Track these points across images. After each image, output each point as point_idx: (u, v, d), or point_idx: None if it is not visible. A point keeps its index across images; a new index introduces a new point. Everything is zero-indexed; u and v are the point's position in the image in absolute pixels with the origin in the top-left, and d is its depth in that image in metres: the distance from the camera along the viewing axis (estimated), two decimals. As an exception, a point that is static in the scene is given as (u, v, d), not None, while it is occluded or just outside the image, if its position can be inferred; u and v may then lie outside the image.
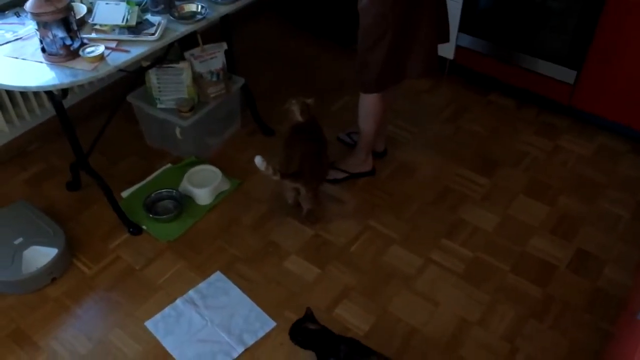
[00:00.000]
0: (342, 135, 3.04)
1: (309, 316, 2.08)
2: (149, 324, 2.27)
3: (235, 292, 2.37)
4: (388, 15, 2.26)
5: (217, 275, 2.43)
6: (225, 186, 2.79)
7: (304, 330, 2.05)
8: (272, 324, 2.26)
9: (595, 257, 2.50)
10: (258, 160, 2.38)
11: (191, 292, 2.37)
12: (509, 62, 3.16)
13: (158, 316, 2.29)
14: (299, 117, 2.53)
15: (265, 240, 2.58)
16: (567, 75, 2.98)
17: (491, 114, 3.24)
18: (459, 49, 3.28)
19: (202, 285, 2.39)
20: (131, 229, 2.59)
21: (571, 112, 3.15)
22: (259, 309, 2.31)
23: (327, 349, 2.02)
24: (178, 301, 2.34)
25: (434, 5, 2.34)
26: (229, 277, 2.42)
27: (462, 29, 3.19)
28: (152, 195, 2.71)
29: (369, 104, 2.58)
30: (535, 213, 2.69)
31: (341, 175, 2.82)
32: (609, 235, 2.59)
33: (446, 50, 3.29)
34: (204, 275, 2.43)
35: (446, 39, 2.51)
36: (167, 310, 2.31)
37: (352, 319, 2.28)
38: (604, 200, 2.75)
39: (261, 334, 2.23)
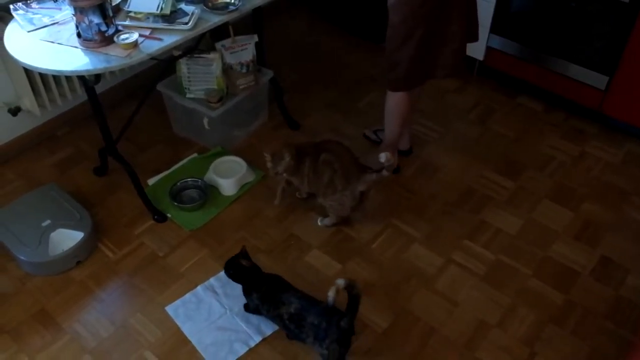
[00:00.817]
0: (368, 132, 3.04)
1: (243, 253, 2.18)
2: (169, 308, 2.30)
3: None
4: (417, 14, 2.26)
5: (239, 266, 2.45)
6: (250, 177, 2.81)
7: (237, 265, 2.15)
8: (291, 316, 2.28)
9: (618, 265, 2.47)
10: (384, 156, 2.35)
11: (212, 280, 2.39)
12: (540, 65, 3.13)
13: (178, 302, 2.32)
14: (290, 161, 2.46)
15: (287, 233, 2.60)
16: (598, 80, 2.94)
17: (519, 117, 3.22)
18: (489, 50, 3.26)
19: (223, 274, 2.40)
20: (156, 216, 2.63)
21: (600, 118, 3.12)
22: (278, 301, 2.33)
23: (253, 285, 2.16)
24: (199, 288, 2.36)
25: (464, 3, 2.33)
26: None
27: (493, 30, 3.17)
28: (178, 183, 2.74)
29: (395, 102, 2.58)
30: (559, 218, 2.66)
31: None
32: (634, 243, 2.56)
33: (476, 51, 3.27)
34: (226, 264, 2.45)
35: (475, 38, 2.50)
36: (187, 296, 2.34)
37: (371, 315, 2.28)
38: (630, 208, 2.71)
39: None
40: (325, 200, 2.52)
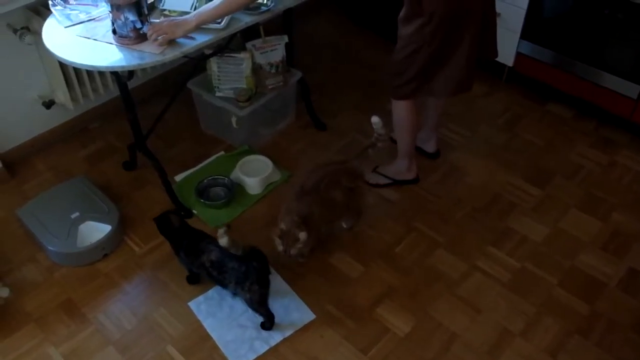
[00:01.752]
0: (394, 134, 3.02)
1: (175, 211, 2.34)
2: (192, 304, 2.32)
3: (278, 281, 2.39)
4: (424, 31, 2.25)
5: (262, 264, 2.46)
6: (276, 177, 2.83)
7: (166, 221, 2.28)
8: (312, 316, 2.29)
9: (647, 277, 2.43)
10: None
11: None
12: (570, 73, 3.09)
13: (201, 297, 2.34)
14: (306, 239, 2.26)
15: (311, 233, 2.60)
16: (630, 89, 2.89)
17: (548, 124, 3.18)
18: (519, 55, 3.23)
19: (246, 272, 2.43)
20: (182, 212, 2.65)
21: (632, 127, 3.06)
22: (299, 300, 2.33)
23: (177, 243, 2.29)
24: (221, 285, 2.39)
25: (479, 23, 2.30)
26: (272, 267, 2.44)
27: (523, 36, 3.13)
28: (205, 180, 2.76)
29: (401, 111, 2.56)
30: (586, 228, 2.63)
31: (383, 181, 2.81)
32: (664, 256, 2.52)
33: (505, 57, 3.25)
34: (249, 262, 2.47)
35: (494, 55, 2.49)
36: (210, 292, 2.36)
37: (392, 319, 2.28)
38: (661, 221, 2.67)
39: (300, 325, 2.26)
40: (352, 211, 2.51)
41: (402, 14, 2.32)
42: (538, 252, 2.53)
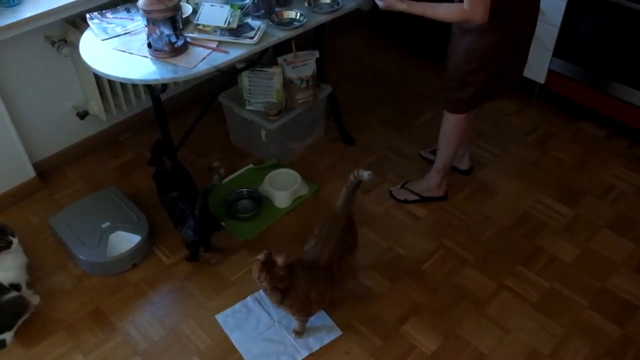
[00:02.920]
0: (425, 152, 3.01)
1: (168, 155, 2.56)
2: (219, 317, 2.33)
3: (305, 296, 2.39)
4: (501, 41, 2.20)
5: (289, 278, 2.46)
6: (304, 191, 2.83)
7: (159, 156, 2.55)
8: (339, 332, 2.27)
9: (681, 302, 2.38)
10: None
11: (262, 291, 2.41)
12: (603, 91, 3.05)
13: (229, 311, 2.35)
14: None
15: (338, 248, 2.60)
16: (665, 109, 2.86)
17: (579, 143, 3.14)
18: (550, 73, 3.20)
19: (273, 285, 2.43)
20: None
21: (666, 148, 3.02)
22: (326, 316, 2.33)
23: (165, 190, 2.51)
24: (249, 298, 2.39)
25: (534, 26, 2.33)
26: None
27: (556, 53, 3.11)
28: (233, 193, 2.78)
29: (454, 125, 2.53)
30: (619, 249, 2.58)
31: (412, 198, 2.79)
32: (699, 280, 2.46)
33: (537, 74, 3.22)
34: (276, 276, 2.47)
35: None
36: (237, 306, 2.37)
37: (419, 336, 2.26)
38: (696, 243, 2.61)
39: (326, 341, 2.25)
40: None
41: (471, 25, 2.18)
42: (568, 272, 2.49)
